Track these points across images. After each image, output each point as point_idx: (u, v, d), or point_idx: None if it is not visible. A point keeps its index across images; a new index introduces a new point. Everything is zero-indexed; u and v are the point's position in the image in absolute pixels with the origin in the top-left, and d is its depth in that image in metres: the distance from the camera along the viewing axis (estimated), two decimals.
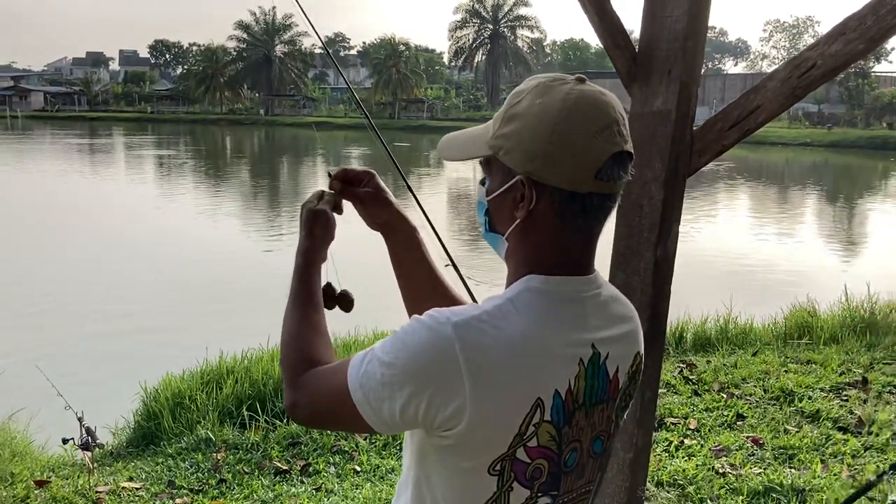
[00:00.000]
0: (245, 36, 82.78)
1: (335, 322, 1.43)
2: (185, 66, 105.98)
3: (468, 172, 35.48)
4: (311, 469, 4.31)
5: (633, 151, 1.10)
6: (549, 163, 1.06)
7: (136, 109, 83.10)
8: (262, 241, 16.26)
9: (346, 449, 4.53)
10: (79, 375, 7.56)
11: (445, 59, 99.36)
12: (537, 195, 1.08)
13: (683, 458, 4.36)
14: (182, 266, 13.38)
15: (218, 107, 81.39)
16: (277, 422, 4.85)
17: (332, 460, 4.42)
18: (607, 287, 1.19)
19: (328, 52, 1.87)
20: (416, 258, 1.50)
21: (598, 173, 1.05)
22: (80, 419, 4.06)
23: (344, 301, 1.45)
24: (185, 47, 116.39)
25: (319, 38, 1.88)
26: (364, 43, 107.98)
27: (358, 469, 4.31)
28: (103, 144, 48.69)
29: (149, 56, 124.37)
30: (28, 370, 5.97)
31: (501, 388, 1.03)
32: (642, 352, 1.25)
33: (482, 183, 1.20)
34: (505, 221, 1.14)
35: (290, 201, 23.52)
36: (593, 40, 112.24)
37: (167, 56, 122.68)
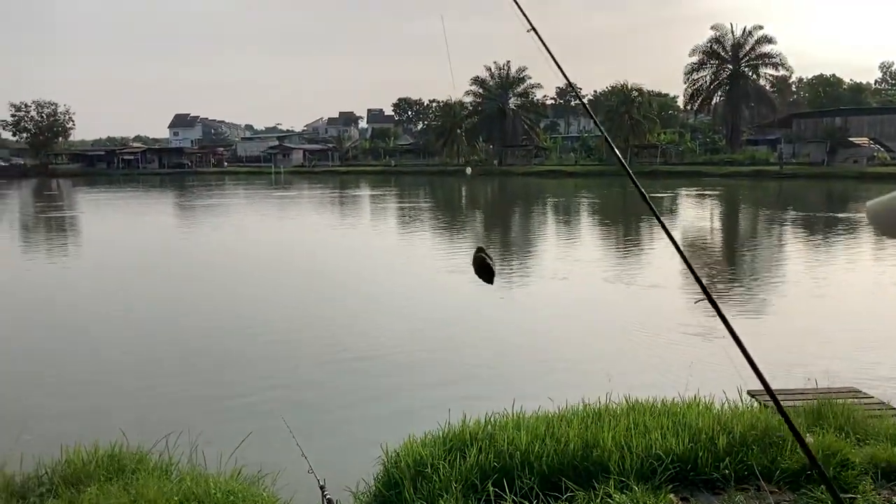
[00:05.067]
0: (481, 91, 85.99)
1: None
2: (426, 122, 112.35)
3: (704, 221, 33.57)
4: None
5: None
6: None
7: (382, 163, 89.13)
8: (496, 301, 16.08)
9: None
10: (320, 425, 7.61)
11: (680, 103, 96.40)
12: None
13: None
14: (419, 319, 13.49)
15: (455, 158, 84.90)
16: (526, 503, 4.33)
17: None
18: None
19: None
20: None
21: None
22: (321, 487, 3.81)
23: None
24: (425, 104, 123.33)
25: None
26: (595, 91, 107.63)
27: None
28: (352, 196, 52.33)
29: (393, 113, 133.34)
30: (270, 418, 6.02)
31: None
32: None
33: None
34: None
35: (521, 252, 23.36)
36: (846, 74, 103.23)
37: (409, 113, 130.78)
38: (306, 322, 12.99)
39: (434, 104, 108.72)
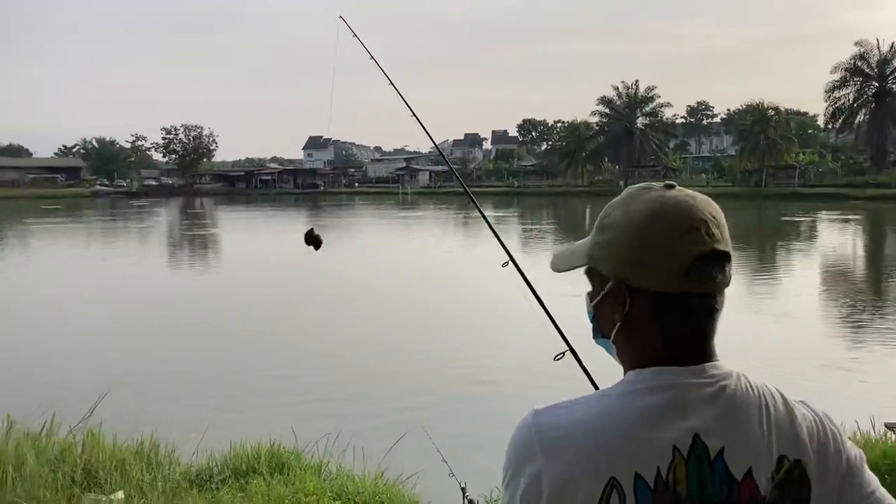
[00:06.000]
0: (607, 111, 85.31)
1: None
2: (550, 142, 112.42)
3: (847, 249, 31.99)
4: None
5: (729, 250, 1.13)
6: (638, 267, 1.13)
7: (505, 184, 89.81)
8: None
9: None
10: (453, 438, 8.03)
11: (820, 122, 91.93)
12: (631, 298, 1.15)
13: None
14: (544, 340, 13.74)
15: (579, 179, 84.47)
16: None
17: None
18: (737, 380, 1.12)
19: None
20: None
21: (687, 273, 1.10)
22: (463, 489, 4.18)
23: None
24: (549, 125, 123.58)
25: None
26: (729, 110, 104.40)
27: None
28: (476, 217, 53.16)
29: (517, 134, 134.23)
30: (408, 429, 6.49)
31: (571, 461, 1.07)
32: (805, 459, 1.11)
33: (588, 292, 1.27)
34: (609, 325, 1.21)
35: None
36: None
37: (533, 133, 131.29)
38: (436, 344, 13.54)
39: (559, 125, 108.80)
